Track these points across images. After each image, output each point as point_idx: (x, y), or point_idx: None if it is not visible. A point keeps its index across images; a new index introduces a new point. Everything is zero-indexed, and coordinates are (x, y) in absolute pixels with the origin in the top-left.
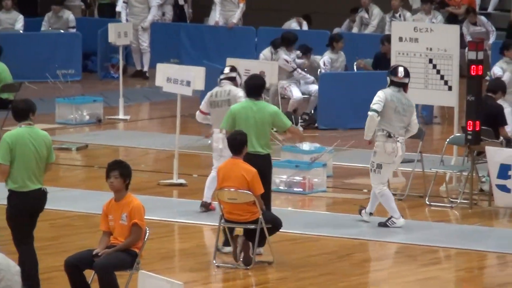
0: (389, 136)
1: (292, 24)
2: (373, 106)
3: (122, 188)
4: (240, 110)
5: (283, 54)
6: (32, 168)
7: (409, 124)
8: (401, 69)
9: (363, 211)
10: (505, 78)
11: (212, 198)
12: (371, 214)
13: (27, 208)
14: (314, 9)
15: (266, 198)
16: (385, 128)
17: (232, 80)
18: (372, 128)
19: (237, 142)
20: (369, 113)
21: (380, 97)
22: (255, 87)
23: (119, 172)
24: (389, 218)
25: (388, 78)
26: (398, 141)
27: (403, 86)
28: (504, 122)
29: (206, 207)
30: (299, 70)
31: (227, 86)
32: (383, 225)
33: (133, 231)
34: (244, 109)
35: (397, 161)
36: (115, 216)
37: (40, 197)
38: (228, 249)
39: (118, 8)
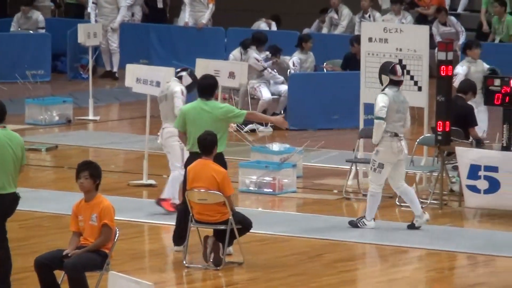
0: (395, 135)
1: (261, 25)
2: (379, 113)
3: (92, 189)
4: (190, 110)
5: (253, 53)
6: (10, 171)
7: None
8: (398, 67)
9: (415, 219)
10: (461, 77)
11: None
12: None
13: (2, 210)
14: (284, 9)
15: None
16: (389, 129)
17: (180, 78)
18: (380, 134)
19: (207, 143)
20: (376, 121)
21: (384, 102)
22: (206, 87)
23: (89, 172)
24: (361, 218)
25: (385, 77)
26: (402, 139)
27: (400, 84)
28: (474, 123)
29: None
30: (269, 70)
31: (171, 82)
32: (353, 224)
33: (103, 231)
34: (194, 109)
35: (404, 159)
36: (85, 216)
37: (15, 200)
38: (177, 248)
39: (89, 9)
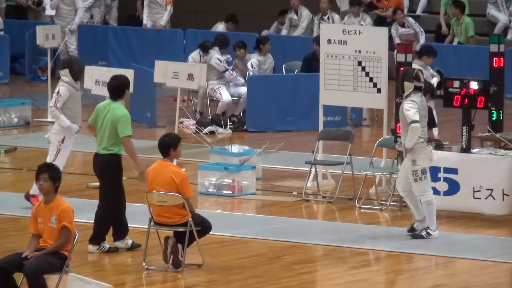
0: (427, 142)
1: (219, 26)
2: (414, 117)
3: (51, 191)
4: (100, 108)
5: (216, 54)
6: None
7: None
8: (421, 73)
9: (416, 224)
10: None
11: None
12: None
13: None
14: (242, 11)
15: (114, 197)
16: (422, 135)
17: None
18: (415, 139)
19: (162, 144)
20: (413, 125)
21: (415, 107)
22: (112, 88)
23: (49, 175)
24: (426, 229)
25: (409, 84)
26: (431, 145)
27: (422, 89)
28: (432, 124)
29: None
30: (231, 71)
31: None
32: (419, 236)
33: (62, 234)
34: (102, 108)
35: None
36: (44, 218)
37: None
38: (92, 248)
39: (47, 12)
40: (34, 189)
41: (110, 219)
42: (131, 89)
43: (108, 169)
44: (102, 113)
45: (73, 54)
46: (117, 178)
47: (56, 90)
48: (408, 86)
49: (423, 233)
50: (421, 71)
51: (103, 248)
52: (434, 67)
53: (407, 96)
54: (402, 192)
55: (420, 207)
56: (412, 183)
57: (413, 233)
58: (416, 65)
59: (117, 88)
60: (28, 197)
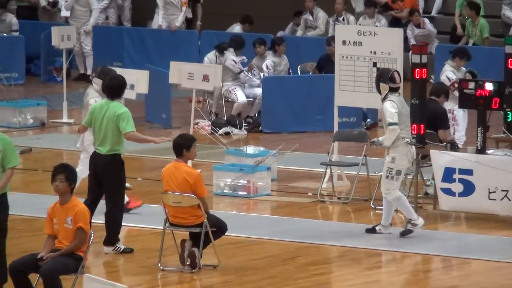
0: (409, 143)
1: (235, 27)
2: (394, 119)
3: (67, 192)
4: (96, 109)
5: (231, 55)
6: None
7: None
8: (397, 75)
9: (378, 228)
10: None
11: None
12: (390, 224)
13: None
14: (257, 12)
15: (121, 196)
16: (405, 135)
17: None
18: (392, 139)
19: (176, 145)
20: (391, 127)
21: (395, 108)
22: (109, 87)
23: (65, 175)
24: (408, 222)
25: (384, 86)
26: (413, 145)
27: (399, 90)
28: (444, 126)
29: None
30: (246, 72)
31: (89, 89)
32: (407, 232)
33: (78, 235)
34: (99, 108)
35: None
36: (60, 219)
37: None
38: (107, 249)
39: (63, 13)
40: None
41: (121, 219)
42: (146, 90)
43: (113, 169)
44: (99, 113)
45: (88, 54)
46: (122, 177)
47: (91, 102)
48: (384, 87)
49: (409, 226)
50: (398, 73)
51: (119, 249)
52: (466, 68)
53: (385, 97)
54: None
55: (391, 214)
56: (383, 178)
57: (402, 231)
58: (448, 66)
59: (115, 88)
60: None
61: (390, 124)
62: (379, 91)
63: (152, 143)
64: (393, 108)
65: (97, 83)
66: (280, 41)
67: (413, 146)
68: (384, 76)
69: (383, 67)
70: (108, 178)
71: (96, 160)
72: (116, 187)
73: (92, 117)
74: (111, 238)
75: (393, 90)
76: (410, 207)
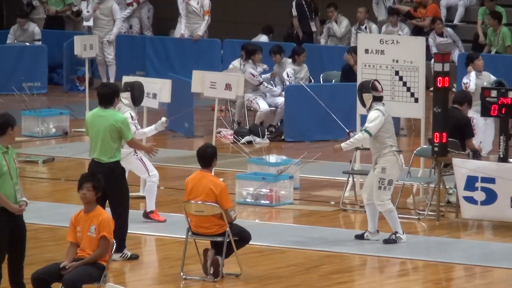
0: (398, 151)
1: (262, 37)
2: (372, 129)
3: (93, 201)
4: (90, 117)
5: (249, 68)
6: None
7: None
8: (377, 83)
9: (366, 234)
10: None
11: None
12: (378, 231)
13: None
14: (279, 21)
15: (127, 203)
16: (393, 144)
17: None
18: (356, 145)
19: (207, 155)
20: (365, 134)
21: (380, 120)
22: (103, 95)
23: (92, 184)
24: (394, 234)
25: (367, 95)
26: (400, 153)
27: (382, 99)
28: (471, 134)
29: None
30: (265, 84)
31: (120, 104)
32: (390, 241)
33: (101, 244)
34: (92, 117)
35: None
36: (84, 227)
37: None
38: (115, 256)
39: (85, 23)
40: (149, 205)
41: (127, 225)
42: (168, 99)
43: (116, 176)
44: (94, 121)
45: (111, 63)
46: (126, 183)
47: (126, 115)
48: (367, 97)
49: (393, 237)
50: (378, 81)
51: (126, 256)
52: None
53: (370, 107)
54: (366, 200)
55: (376, 220)
56: (375, 189)
57: (385, 239)
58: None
59: (107, 95)
60: (147, 215)
61: (366, 131)
62: (363, 103)
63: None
64: (379, 120)
65: (125, 97)
66: (300, 51)
67: (401, 155)
68: (365, 87)
69: (363, 80)
70: (113, 186)
71: (97, 169)
72: (122, 194)
73: (86, 127)
74: (119, 245)
75: (377, 99)
76: (398, 221)
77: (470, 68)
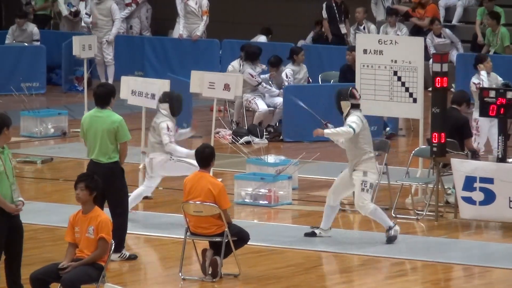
0: (374, 156)
1: (261, 37)
2: (356, 127)
3: (88, 200)
4: (86, 118)
5: (248, 68)
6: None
7: None
8: (355, 91)
9: (317, 231)
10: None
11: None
12: (330, 228)
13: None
14: (278, 21)
15: (127, 202)
16: (371, 150)
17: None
18: (341, 137)
19: (205, 155)
20: (350, 129)
21: (360, 119)
22: (99, 96)
23: (85, 184)
24: (388, 230)
25: (345, 103)
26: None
27: (359, 107)
28: (469, 134)
29: None
30: (264, 84)
31: (158, 113)
32: (393, 239)
33: (100, 245)
34: (89, 118)
35: None
36: (82, 228)
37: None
38: (114, 256)
39: (83, 23)
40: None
41: (127, 225)
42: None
43: (116, 177)
44: (91, 122)
45: (110, 64)
46: (125, 183)
47: (163, 125)
48: (345, 104)
49: (390, 233)
50: (356, 89)
51: (124, 256)
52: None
53: (347, 115)
54: (333, 201)
55: (332, 219)
56: (357, 192)
57: (386, 239)
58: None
59: (104, 95)
60: None
61: (351, 126)
62: (340, 111)
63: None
64: (358, 119)
65: (164, 108)
66: (298, 50)
67: (377, 162)
68: (343, 94)
69: (339, 88)
70: (112, 186)
71: (96, 170)
72: (121, 194)
73: (83, 128)
74: (118, 245)
75: (355, 106)
76: (385, 215)
77: (482, 66)
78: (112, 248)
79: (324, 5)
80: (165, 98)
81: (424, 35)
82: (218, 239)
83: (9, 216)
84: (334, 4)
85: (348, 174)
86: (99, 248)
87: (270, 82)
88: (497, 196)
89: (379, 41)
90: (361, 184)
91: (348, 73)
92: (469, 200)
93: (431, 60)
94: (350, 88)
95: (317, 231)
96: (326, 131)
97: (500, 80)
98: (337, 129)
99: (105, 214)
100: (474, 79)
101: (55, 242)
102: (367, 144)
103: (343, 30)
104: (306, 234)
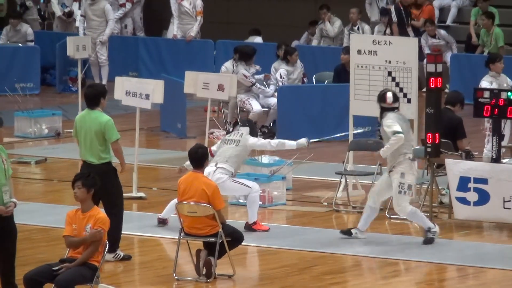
0: (411, 159)
1: (256, 38)
2: (396, 128)
3: (87, 199)
4: (79, 119)
5: (242, 69)
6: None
7: None
8: (389, 95)
9: (353, 230)
10: None
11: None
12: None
13: None
14: (273, 21)
15: (121, 203)
16: (408, 151)
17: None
18: (395, 147)
19: (198, 156)
20: (398, 135)
21: (392, 120)
22: (89, 96)
23: (81, 182)
24: (428, 231)
25: (377, 105)
26: (415, 161)
27: (394, 110)
28: (463, 135)
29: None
30: (258, 85)
31: (243, 130)
32: (430, 241)
33: (93, 242)
34: (81, 118)
35: None
36: (79, 226)
37: None
38: (108, 256)
39: (77, 23)
40: (251, 216)
41: (122, 226)
42: (161, 100)
43: (108, 177)
44: (82, 123)
45: (104, 64)
46: (119, 183)
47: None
48: (377, 106)
49: (430, 235)
50: (392, 92)
51: (118, 256)
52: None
53: (381, 116)
54: (373, 203)
55: (370, 221)
56: (395, 194)
57: (424, 239)
58: (488, 78)
59: (93, 96)
60: (250, 227)
61: (395, 133)
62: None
63: (121, 163)
64: (390, 120)
65: (246, 132)
66: (292, 51)
67: (415, 161)
68: (378, 96)
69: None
70: (106, 187)
71: (89, 171)
72: (115, 194)
73: (75, 128)
74: (112, 245)
75: (386, 110)
76: (425, 216)
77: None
78: (107, 248)
79: (392, 8)
80: (245, 123)
81: (419, 35)
82: (212, 239)
83: (1, 218)
84: (401, 8)
85: (387, 175)
86: (92, 245)
87: (264, 82)
88: (492, 196)
89: (373, 42)
90: (399, 186)
91: (342, 74)
92: (463, 201)
93: (425, 61)
94: (384, 91)
95: (353, 230)
96: (381, 153)
97: (509, 81)
98: (389, 144)
99: (104, 213)
100: (484, 84)
101: (49, 242)
102: (405, 145)
103: (411, 33)
104: (342, 232)
